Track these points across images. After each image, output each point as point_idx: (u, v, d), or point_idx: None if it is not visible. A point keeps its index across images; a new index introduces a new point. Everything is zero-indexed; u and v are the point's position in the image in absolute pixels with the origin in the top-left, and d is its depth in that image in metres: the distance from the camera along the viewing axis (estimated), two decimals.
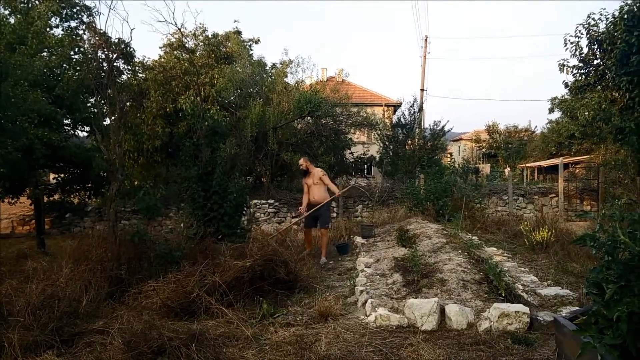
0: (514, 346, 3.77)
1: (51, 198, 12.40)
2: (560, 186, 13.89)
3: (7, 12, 9.37)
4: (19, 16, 8.43)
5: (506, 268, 6.10)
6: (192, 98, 14.06)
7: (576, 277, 6.03)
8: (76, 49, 10.64)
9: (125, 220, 11.95)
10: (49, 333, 4.00)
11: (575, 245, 5.36)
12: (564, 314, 4.34)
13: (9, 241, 11.94)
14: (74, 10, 11.94)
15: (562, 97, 18.56)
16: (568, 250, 7.43)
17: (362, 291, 5.25)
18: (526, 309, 4.20)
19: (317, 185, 7.81)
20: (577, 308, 4.30)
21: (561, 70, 13.34)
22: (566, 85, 14.01)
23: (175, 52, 17.16)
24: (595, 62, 12.79)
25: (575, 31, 12.52)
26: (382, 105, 27.41)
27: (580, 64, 13.10)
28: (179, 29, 12.24)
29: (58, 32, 11.10)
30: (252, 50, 18.46)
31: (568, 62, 13.20)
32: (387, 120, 20.89)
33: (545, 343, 3.86)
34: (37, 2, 10.07)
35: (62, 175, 10.90)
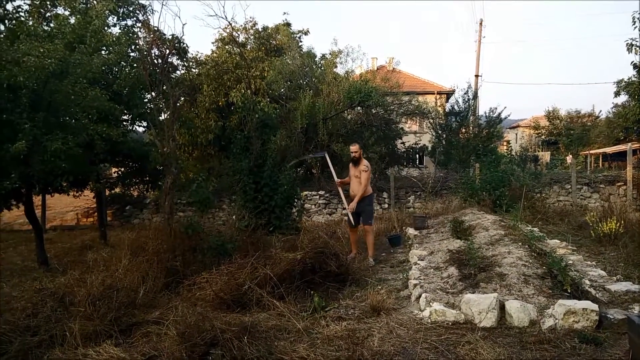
0: (581, 346, 3.53)
1: (113, 191, 12.93)
2: (629, 174, 12.99)
3: (67, 12, 9.77)
4: (78, 16, 8.75)
5: (571, 262, 5.75)
6: (243, 91, 14.24)
7: None
8: (132, 47, 10.96)
9: (181, 212, 12.30)
10: (108, 323, 4.13)
11: None
12: (636, 312, 4.03)
13: (74, 232, 12.61)
14: (130, 9, 12.33)
15: (629, 79, 17.42)
16: (639, 242, 6.92)
17: (415, 285, 5.09)
18: (595, 306, 3.91)
19: (358, 179, 7.08)
20: None
21: (629, 50, 12.49)
22: (635, 67, 13.14)
23: (226, 47, 17.39)
24: None
25: None
26: (434, 93, 26.80)
27: None
28: (230, 23, 12.42)
29: (115, 30, 11.50)
30: (301, 41, 18.44)
31: (637, 41, 12.33)
32: (439, 109, 20.36)
33: (616, 343, 3.60)
34: (94, 1, 10.42)
35: (122, 169, 11.32)
